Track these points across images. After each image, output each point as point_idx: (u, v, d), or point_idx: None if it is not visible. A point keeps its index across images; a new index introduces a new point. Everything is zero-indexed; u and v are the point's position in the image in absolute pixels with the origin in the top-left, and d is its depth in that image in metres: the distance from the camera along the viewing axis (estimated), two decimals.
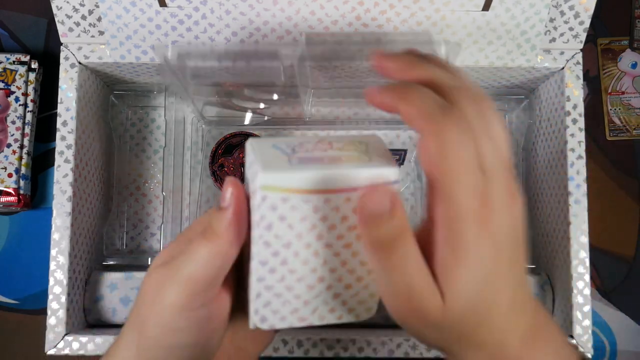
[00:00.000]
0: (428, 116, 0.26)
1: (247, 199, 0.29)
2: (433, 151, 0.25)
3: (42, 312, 0.63)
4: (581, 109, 0.56)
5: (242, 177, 0.64)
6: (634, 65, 0.69)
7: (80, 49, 0.56)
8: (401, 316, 0.27)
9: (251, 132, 0.64)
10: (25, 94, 0.63)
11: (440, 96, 0.27)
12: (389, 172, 0.27)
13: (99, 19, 0.55)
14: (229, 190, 0.28)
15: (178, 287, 0.28)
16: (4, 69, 0.63)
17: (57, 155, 0.55)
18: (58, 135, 0.55)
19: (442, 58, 0.31)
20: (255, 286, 0.29)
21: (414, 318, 0.27)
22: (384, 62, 0.29)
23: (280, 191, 0.26)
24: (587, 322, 0.53)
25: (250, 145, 0.28)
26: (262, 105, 0.63)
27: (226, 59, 0.50)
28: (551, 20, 0.55)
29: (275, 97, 0.62)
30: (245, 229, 0.29)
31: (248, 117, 0.64)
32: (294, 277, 0.29)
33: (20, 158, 0.63)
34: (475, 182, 0.25)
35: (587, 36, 0.56)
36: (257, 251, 0.28)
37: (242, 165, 0.64)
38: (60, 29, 0.55)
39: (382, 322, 0.57)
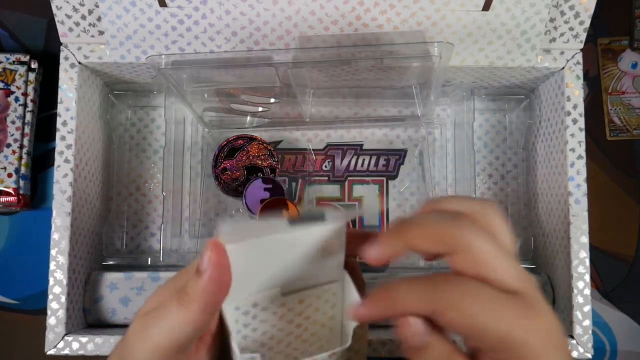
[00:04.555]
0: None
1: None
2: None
3: (42, 312, 0.63)
4: (581, 109, 0.56)
5: (243, 177, 0.64)
6: (634, 65, 0.69)
7: (80, 49, 0.56)
8: None
9: (252, 134, 0.64)
10: (25, 94, 0.63)
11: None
12: None
13: (99, 19, 0.55)
14: (207, 254, 0.26)
15: (146, 348, 0.27)
16: (4, 69, 0.63)
17: (57, 155, 0.55)
18: (58, 135, 0.55)
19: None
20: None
21: None
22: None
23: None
24: (587, 322, 0.53)
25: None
26: (260, 109, 0.63)
27: (220, 67, 0.50)
28: (551, 20, 0.55)
29: (272, 100, 0.62)
30: (222, 295, 0.27)
31: (248, 119, 0.64)
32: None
33: (20, 158, 0.63)
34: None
35: (587, 36, 0.56)
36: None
37: (244, 167, 0.64)
38: (60, 28, 0.55)
39: (381, 322, 0.57)
